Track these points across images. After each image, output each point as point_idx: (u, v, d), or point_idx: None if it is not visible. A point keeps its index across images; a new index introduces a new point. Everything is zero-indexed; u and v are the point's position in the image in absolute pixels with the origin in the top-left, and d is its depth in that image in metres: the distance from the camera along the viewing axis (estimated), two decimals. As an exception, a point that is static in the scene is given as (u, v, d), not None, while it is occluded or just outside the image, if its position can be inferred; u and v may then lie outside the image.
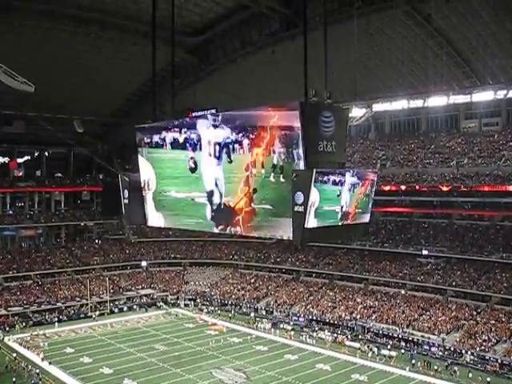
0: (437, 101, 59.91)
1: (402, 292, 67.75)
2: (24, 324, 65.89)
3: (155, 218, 18.46)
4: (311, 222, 12.27)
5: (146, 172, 18.15)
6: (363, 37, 47.53)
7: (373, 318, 64.04)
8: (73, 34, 52.66)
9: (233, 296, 78.62)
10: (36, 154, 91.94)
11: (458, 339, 56.39)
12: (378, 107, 63.07)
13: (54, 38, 53.28)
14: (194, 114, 15.81)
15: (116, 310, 74.82)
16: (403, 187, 70.82)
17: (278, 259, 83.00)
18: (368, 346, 57.47)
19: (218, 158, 14.96)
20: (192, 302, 79.16)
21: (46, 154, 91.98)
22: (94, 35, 53.53)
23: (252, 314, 71.86)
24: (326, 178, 12.47)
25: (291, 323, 67.49)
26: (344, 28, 44.06)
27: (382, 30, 50.31)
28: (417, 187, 69.77)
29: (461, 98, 59.39)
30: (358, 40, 44.47)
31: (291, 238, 12.91)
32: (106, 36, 54.11)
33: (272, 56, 53.80)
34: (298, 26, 47.06)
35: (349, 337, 61.32)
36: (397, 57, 53.85)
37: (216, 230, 15.81)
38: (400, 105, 62.67)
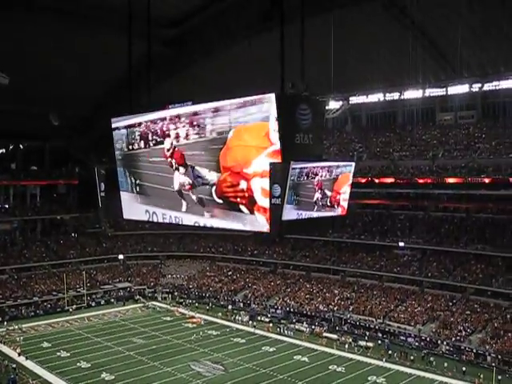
0: (413, 94, 60.44)
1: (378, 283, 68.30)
2: (0, 318, 65.28)
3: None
4: (288, 215, 12.28)
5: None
6: (340, 29, 47.54)
7: (350, 309, 64.48)
8: (48, 25, 52.00)
9: (210, 289, 78.66)
10: (11, 147, 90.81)
11: (433, 330, 57.02)
12: (355, 100, 63.52)
13: (29, 30, 52.58)
14: (170, 106, 15.73)
15: (93, 304, 74.55)
16: (380, 179, 71.20)
17: (255, 252, 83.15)
18: (345, 337, 57.89)
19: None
20: (169, 295, 79.13)
21: (21, 146, 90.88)
22: (68, 26, 52.94)
23: (229, 307, 72.03)
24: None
25: (269, 315, 67.77)
26: (321, 20, 44.04)
27: (359, 22, 50.37)
28: (393, 179, 70.15)
29: (437, 91, 59.98)
30: (335, 32, 44.49)
31: (267, 231, 12.92)
32: (81, 27, 53.53)
33: (249, 48, 53.65)
34: (276, 17, 46.95)
35: (326, 328, 61.69)
36: (373, 49, 53.98)
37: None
38: (376, 97, 63.18)
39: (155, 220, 17.50)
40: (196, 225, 15.74)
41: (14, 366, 48.88)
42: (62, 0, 49.26)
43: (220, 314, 69.80)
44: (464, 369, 48.63)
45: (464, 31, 48.90)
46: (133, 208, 18.29)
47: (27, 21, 51.00)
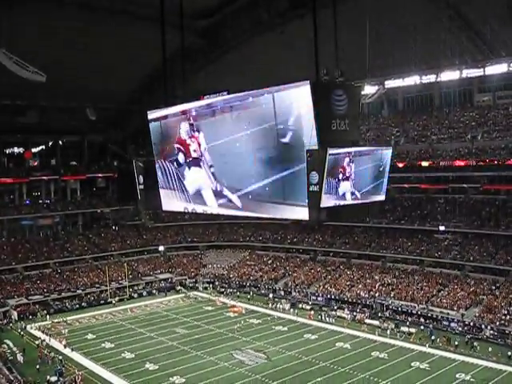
0: (449, 75, 59.55)
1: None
2: (45, 312, 66.59)
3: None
4: (326, 201, 12.25)
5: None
6: (373, 13, 47.04)
7: (391, 295, 64.07)
8: (81, 22, 52.51)
9: (251, 278, 78.93)
10: (50, 143, 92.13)
11: (477, 314, 56.33)
12: (391, 84, 62.81)
13: (63, 26, 53.17)
14: (205, 97, 15.78)
15: (135, 296, 75.43)
16: (418, 163, 70.42)
17: (295, 240, 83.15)
18: (387, 324, 57.60)
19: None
20: (210, 285, 79.64)
21: (60, 142, 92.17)
22: (103, 22, 53.39)
23: (270, 295, 72.18)
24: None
25: (310, 303, 67.75)
26: (354, 5, 43.65)
27: (393, 5, 49.77)
28: (432, 163, 69.30)
29: (474, 72, 58.97)
30: (369, 17, 44.09)
31: (307, 219, 12.90)
32: (115, 22, 53.92)
33: (282, 36, 53.46)
34: (307, 4, 46.66)
35: (368, 315, 61.46)
36: (408, 32, 53.28)
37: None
38: (412, 80, 62.35)
39: (194, 211, 17.64)
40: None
41: (61, 357, 49.77)
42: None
43: (261, 302, 70.02)
44: (509, 353, 47.79)
45: (500, 10, 47.96)
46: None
47: (62, 18, 51.57)
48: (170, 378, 45.24)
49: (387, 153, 14.35)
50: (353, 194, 13.12)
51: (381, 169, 14.08)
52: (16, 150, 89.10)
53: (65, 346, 53.71)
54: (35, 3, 48.26)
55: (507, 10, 46.65)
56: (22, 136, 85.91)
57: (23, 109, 72.53)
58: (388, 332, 55.48)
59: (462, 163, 66.53)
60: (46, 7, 49.49)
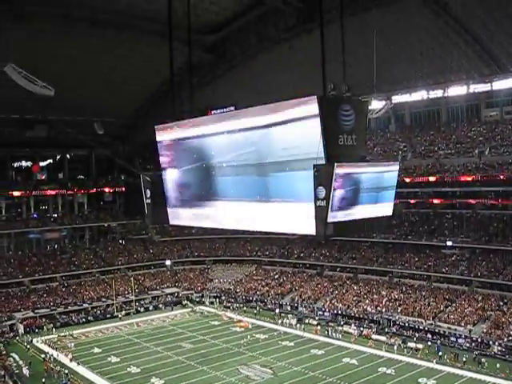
0: (457, 90, 59.59)
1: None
2: (52, 325, 66.55)
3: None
4: (334, 216, 12.25)
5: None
6: (380, 28, 47.21)
7: (398, 310, 63.74)
8: (89, 37, 52.93)
9: (257, 292, 78.71)
10: (58, 157, 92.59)
11: (484, 330, 55.94)
12: (398, 99, 62.88)
13: (71, 42, 53.60)
14: (213, 112, 15.84)
15: (142, 310, 75.29)
16: (425, 178, 70.34)
17: (302, 254, 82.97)
18: (394, 339, 57.27)
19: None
20: (217, 300, 79.42)
21: (68, 156, 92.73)
22: (110, 37, 53.77)
23: (277, 310, 71.86)
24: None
25: (316, 318, 67.44)
26: (361, 20, 43.85)
27: (399, 20, 49.93)
28: (439, 178, 69.21)
29: (481, 87, 58.96)
30: (376, 32, 44.19)
31: (314, 233, 12.89)
32: (122, 37, 54.30)
33: (289, 51, 53.71)
34: (314, 19, 46.88)
35: (375, 330, 61.15)
36: (415, 47, 53.41)
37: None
38: (420, 96, 62.41)
39: (200, 225, 17.67)
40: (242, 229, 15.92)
41: (67, 371, 49.67)
42: (102, 11, 50.18)
43: (268, 317, 69.79)
44: (517, 370, 47.62)
45: (507, 25, 48.03)
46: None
47: (69, 32, 51.99)
48: (176, 393, 45.13)
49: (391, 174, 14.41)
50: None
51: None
52: (24, 163, 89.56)
53: (71, 360, 53.58)
54: (44, 19, 48.73)
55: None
56: (30, 150, 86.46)
57: (31, 123, 72.97)
58: (395, 348, 55.13)
59: (469, 178, 66.39)
60: (54, 23, 49.99)
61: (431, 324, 59.22)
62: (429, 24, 50.51)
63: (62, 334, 63.51)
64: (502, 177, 63.37)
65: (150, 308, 76.34)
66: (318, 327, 63.33)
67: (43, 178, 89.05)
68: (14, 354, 55.87)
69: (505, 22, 48.01)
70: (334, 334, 60.96)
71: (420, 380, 46.45)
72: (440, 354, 52.14)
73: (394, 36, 52.42)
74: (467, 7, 47.42)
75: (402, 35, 52.61)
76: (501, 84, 57.05)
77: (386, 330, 61.26)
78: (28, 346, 59.22)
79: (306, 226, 13.03)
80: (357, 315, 65.72)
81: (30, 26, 49.05)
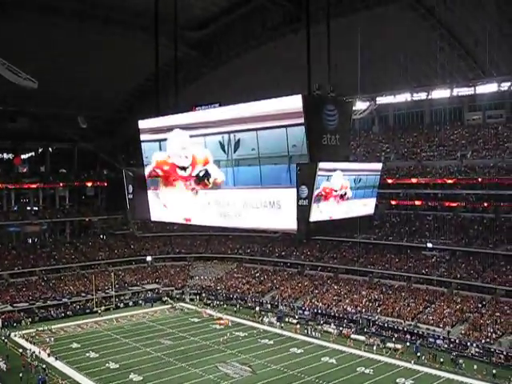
0: (440, 93, 59.78)
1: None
2: (30, 320, 66.09)
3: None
4: (315, 216, 12.27)
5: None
6: (366, 30, 47.38)
7: (378, 311, 64.05)
8: (76, 30, 52.58)
9: (238, 290, 78.68)
10: (40, 150, 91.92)
11: (463, 332, 56.38)
12: (382, 100, 62.98)
13: (57, 34, 53.22)
14: (197, 108, 15.80)
15: (121, 305, 75.00)
16: (407, 180, 70.74)
17: (283, 253, 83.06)
18: (373, 339, 57.54)
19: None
20: (197, 297, 79.33)
21: (50, 149, 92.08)
22: (96, 30, 53.46)
23: (257, 308, 71.93)
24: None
25: (296, 317, 67.56)
26: (347, 21, 43.98)
27: (386, 22, 50.14)
28: (421, 180, 69.63)
29: (464, 91, 59.23)
30: (361, 33, 44.36)
31: (295, 232, 12.92)
32: (108, 31, 54.01)
33: (275, 50, 53.73)
34: (301, 19, 46.97)
35: (354, 330, 61.39)
36: (400, 50, 53.69)
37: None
38: (403, 97, 62.55)
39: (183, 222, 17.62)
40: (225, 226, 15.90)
41: (44, 366, 49.34)
42: (88, 4, 49.88)
43: (247, 315, 69.83)
44: (494, 371, 47.87)
45: (492, 30, 48.41)
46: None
47: (55, 25, 51.62)
48: (154, 390, 45.03)
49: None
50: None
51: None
52: (5, 155, 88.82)
53: (49, 355, 53.23)
54: (29, 10, 48.32)
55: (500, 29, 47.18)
56: (12, 142, 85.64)
57: (14, 115, 72.35)
58: (374, 348, 55.40)
59: (451, 181, 66.90)
60: (39, 14, 49.58)
61: (410, 325, 59.55)
62: (415, 27, 50.82)
63: (41, 329, 63.03)
64: (482, 180, 63.87)
65: (130, 304, 76.05)
66: (298, 326, 63.44)
67: (25, 170, 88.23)
68: (-10, 348, 55.52)
69: (488, 27, 48.40)
70: (313, 333, 61.13)
71: (398, 380, 46.74)
72: (418, 354, 52.51)
73: (379, 38, 52.63)
74: (452, 11, 47.75)
75: (388, 37, 52.82)
76: (484, 88, 57.34)
77: (366, 329, 61.55)
78: (6, 340, 58.76)
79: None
80: (336, 315, 65.93)
81: (14, 18, 48.65)
